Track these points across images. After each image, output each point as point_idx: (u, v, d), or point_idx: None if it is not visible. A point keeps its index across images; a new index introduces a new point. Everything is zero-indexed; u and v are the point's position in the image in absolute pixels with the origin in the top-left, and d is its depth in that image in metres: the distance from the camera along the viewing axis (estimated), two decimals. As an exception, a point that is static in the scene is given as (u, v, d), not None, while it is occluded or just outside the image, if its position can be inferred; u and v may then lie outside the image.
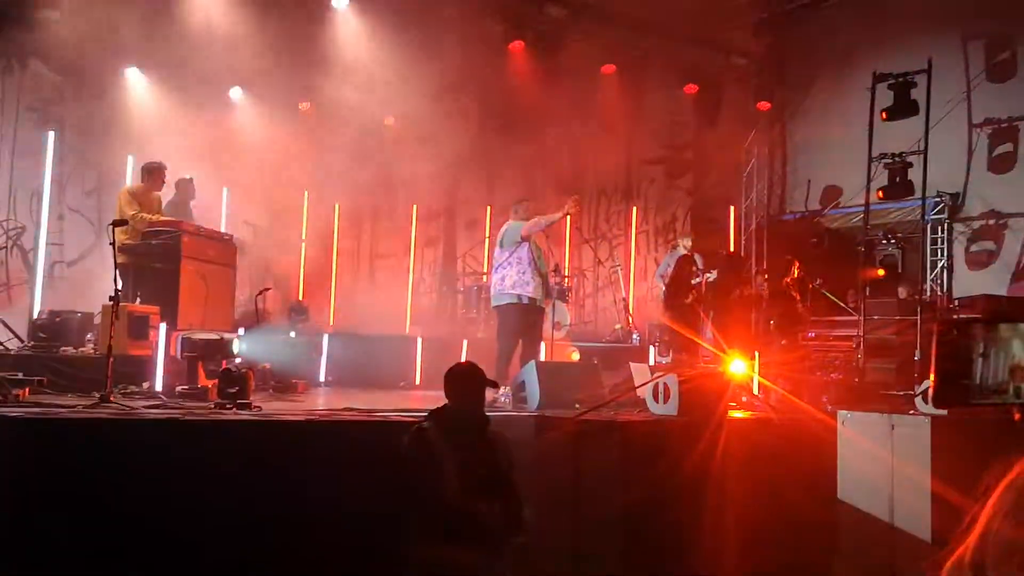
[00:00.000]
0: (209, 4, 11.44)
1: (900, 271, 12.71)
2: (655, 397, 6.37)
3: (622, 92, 13.40)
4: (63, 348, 8.41)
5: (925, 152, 10.34)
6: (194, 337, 8.00)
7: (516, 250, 8.48)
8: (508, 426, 6.25)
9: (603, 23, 13.12)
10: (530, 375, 7.68)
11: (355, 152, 12.85)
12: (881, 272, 12.06)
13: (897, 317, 10.86)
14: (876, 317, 10.81)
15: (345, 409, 6.49)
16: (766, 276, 11.79)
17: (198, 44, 11.10)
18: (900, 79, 10.71)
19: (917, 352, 10.29)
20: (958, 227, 13.22)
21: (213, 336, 8.18)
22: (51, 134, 11.34)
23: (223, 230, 10.98)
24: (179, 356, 7.87)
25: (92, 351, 8.28)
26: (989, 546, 1.21)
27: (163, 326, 8.04)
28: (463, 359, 10.69)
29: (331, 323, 12.76)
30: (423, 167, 13.22)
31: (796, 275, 10.18)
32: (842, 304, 12.01)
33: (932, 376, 1.31)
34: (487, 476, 4.71)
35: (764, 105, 14.59)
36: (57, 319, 8.78)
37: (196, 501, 4.39)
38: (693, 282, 10.82)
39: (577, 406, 6.95)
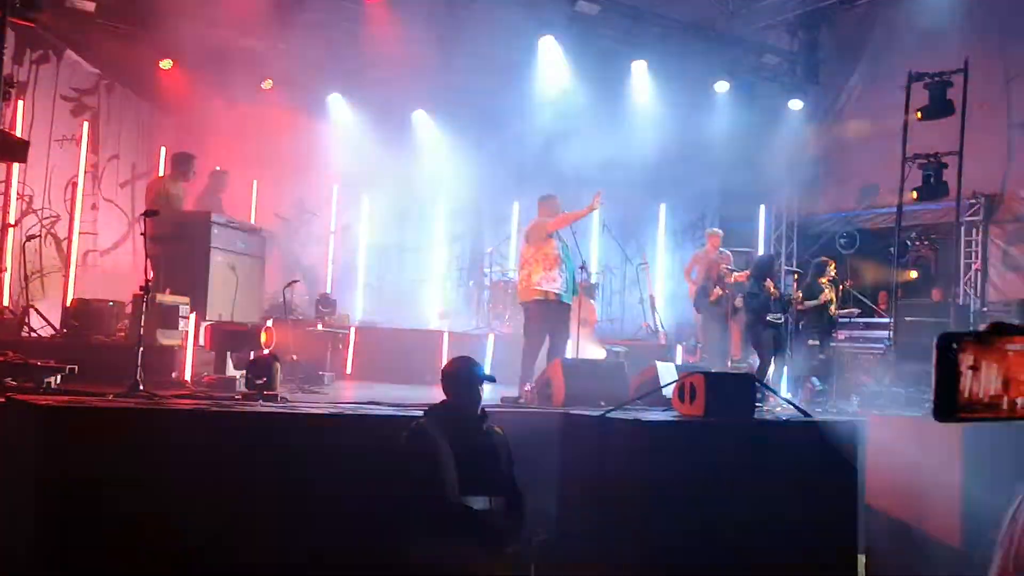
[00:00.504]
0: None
1: (933, 273, 12.55)
2: (681, 397, 6.31)
3: (652, 88, 13.33)
4: (95, 336, 8.50)
5: (960, 152, 10.21)
6: (223, 328, 8.07)
7: (543, 246, 8.45)
8: (532, 423, 6.25)
9: (634, 18, 13.04)
10: (555, 372, 7.67)
11: (384, 146, 12.90)
12: (914, 274, 11.91)
13: (930, 320, 10.74)
14: (908, 320, 10.70)
15: (369, 403, 6.51)
16: (796, 276, 11.69)
17: (228, 35, 11.16)
18: (936, 78, 10.57)
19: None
20: (994, 229, 13.02)
21: (242, 327, 8.24)
22: (85, 123, 11.45)
23: (253, 222, 11.06)
24: (208, 346, 7.93)
25: (123, 340, 8.36)
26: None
27: (193, 316, 8.11)
28: (488, 356, 10.74)
29: (358, 316, 12.81)
30: (451, 161, 13.23)
31: (831, 276, 10.09)
32: (873, 306, 11.90)
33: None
34: (487, 472, 4.68)
35: (797, 103, 14.45)
36: (89, 308, 8.87)
37: (218, 492, 4.41)
38: (723, 281, 10.75)
39: (602, 404, 6.91)
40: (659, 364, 8.32)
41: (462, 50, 12.02)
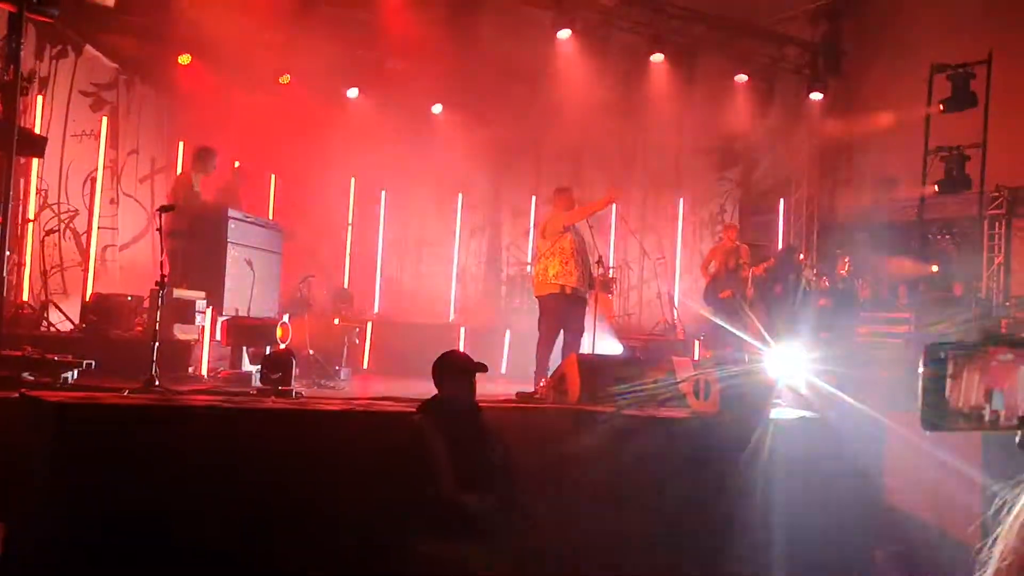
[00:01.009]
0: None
1: (955, 267, 12.40)
2: (696, 393, 6.28)
3: (671, 82, 13.23)
4: (113, 331, 8.55)
5: (984, 145, 10.11)
6: (239, 322, 8.09)
7: (559, 240, 8.42)
8: (547, 419, 6.23)
9: (653, 11, 12.96)
10: (571, 368, 7.63)
11: (402, 139, 12.89)
12: (935, 268, 11.78)
13: (951, 314, 10.62)
14: (929, 314, 10.59)
15: (384, 398, 6.50)
16: (815, 270, 11.59)
17: (248, 30, 11.18)
18: (959, 70, 10.46)
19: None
20: (1018, 223, 12.84)
21: (258, 322, 8.27)
22: (104, 118, 11.51)
23: (270, 217, 11.09)
24: (224, 341, 7.96)
25: (141, 335, 8.40)
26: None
27: (209, 311, 8.14)
28: (505, 351, 10.72)
29: (375, 310, 12.83)
30: (469, 155, 13.21)
31: (847, 270, 9.98)
32: (893, 299, 11.79)
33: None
34: (481, 466, 4.64)
35: (817, 95, 14.31)
36: (107, 302, 8.93)
37: (231, 488, 4.41)
38: (741, 275, 10.67)
39: (618, 400, 6.88)
40: (675, 360, 8.27)
41: (481, 43, 11.99)
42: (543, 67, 12.93)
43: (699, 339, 11.54)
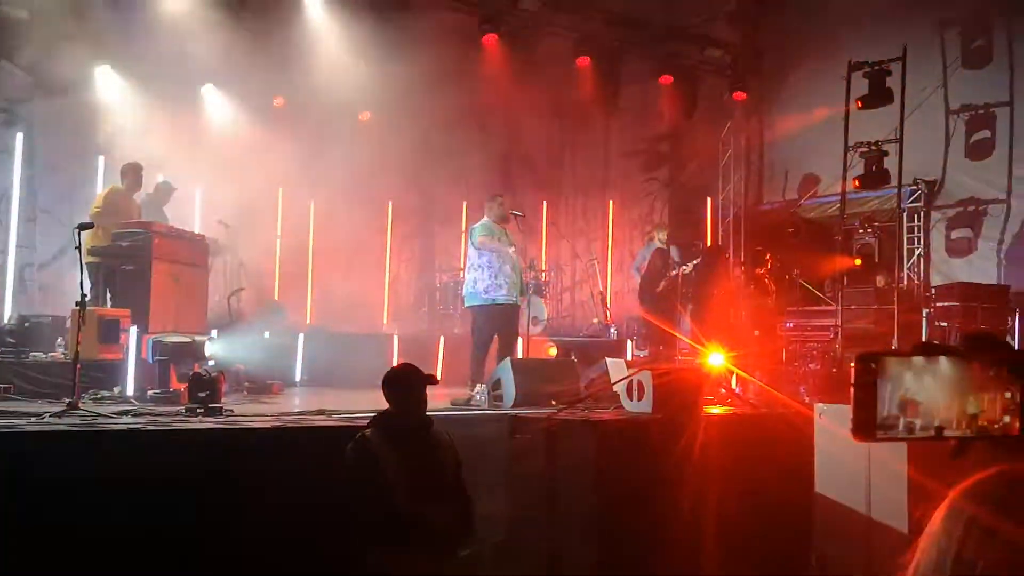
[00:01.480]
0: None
1: (877, 260, 12.71)
2: (629, 394, 6.32)
3: (597, 85, 13.33)
4: (32, 353, 8.30)
5: (901, 140, 10.36)
6: (165, 340, 7.90)
7: (485, 251, 8.41)
8: (483, 425, 6.21)
9: (577, 15, 13.04)
10: (506, 373, 7.64)
11: (330, 148, 12.73)
12: (858, 261, 12.05)
13: (875, 306, 10.88)
14: (854, 307, 10.83)
15: (317, 412, 6.42)
16: (743, 267, 11.78)
17: (169, 40, 10.96)
18: (875, 67, 10.71)
19: (895, 342, 10.31)
20: (936, 215, 13.22)
21: (184, 339, 8.08)
22: (19, 134, 11.17)
23: (196, 230, 10.86)
24: (151, 359, 7.77)
25: (62, 356, 8.17)
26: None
27: (134, 329, 7.94)
28: (439, 357, 10.68)
29: (308, 322, 12.66)
30: (399, 162, 13.11)
31: (769, 266, 10.14)
32: (819, 294, 12.03)
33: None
34: (434, 479, 4.64)
35: (740, 95, 14.55)
36: (26, 324, 8.67)
37: (160, 511, 4.31)
38: (670, 274, 10.79)
39: (553, 403, 6.90)
40: (609, 361, 8.32)
41: (404, 50, 11.92)
42: (470, 71, 12.93)
43: (632, 339, 11.64)
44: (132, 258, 8.64)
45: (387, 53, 11.77)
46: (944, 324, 10.34)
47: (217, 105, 12.52)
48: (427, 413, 4.88)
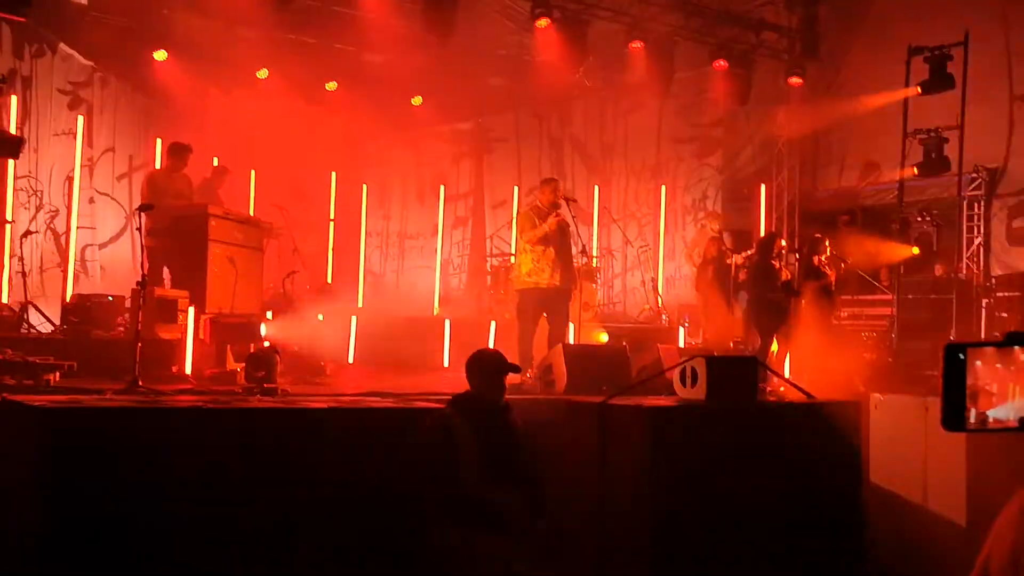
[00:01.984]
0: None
1: (936, 249, 12.47)
2: (683, 381, 6.28)
3: (650, 70, 13.20)
4: (94, 332, 8.48)
5: (962, 127, 10.16)
6: (222, 320, 8.05)
7: (533, 237, 8.39)
8: (535, 410, 6.23)
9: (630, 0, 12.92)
10: (557, 358, 7.64)
11: (382, 132, 12.83)
12: (916, 250, 11.82)
13: (932, 296, 10.70)
14: (911, 296, 10.65)
15: (370, 394, 6.48)
16: (797, 255, 11.62)
17: (225, 25, 11.10)
18: (936, 52, 10.49)
19: (952, 332, 10.13)
20: (997, 203, 12.90)
21: (241, 319, 8.22)
22: (80, 118, 11.40)
23: (251, 213, 11.03)
24: (208, 340, 7.91)
25: (123, 335, 8.34)
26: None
27: (192, 309, 8.08)
28: (490, 342, 10.72)
29: (359, 304, 12.78)
30: (451, 146, 13.17)
31: (828, 253, 9.99)
32: (875, 282, 11.84)
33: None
34: (508, 462, 4.71)
35: (796, 80, 14.30)
36: (88, 303, 8.86)
37: (218, 490, 4.39)
38: (725, 262, 10.70)
39: (604, 390, 6.89)
40: (661, 347, 8.29)
41: (460, 33, 11.93)
42: (523, 57, 12.90)
43: (684, 326, 11.56)
44: (190, 240, 8.78)
45: (440, 38, 11.79)
46: (1004, 315, 10.13)
47: (273, 90, 12.65)
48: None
